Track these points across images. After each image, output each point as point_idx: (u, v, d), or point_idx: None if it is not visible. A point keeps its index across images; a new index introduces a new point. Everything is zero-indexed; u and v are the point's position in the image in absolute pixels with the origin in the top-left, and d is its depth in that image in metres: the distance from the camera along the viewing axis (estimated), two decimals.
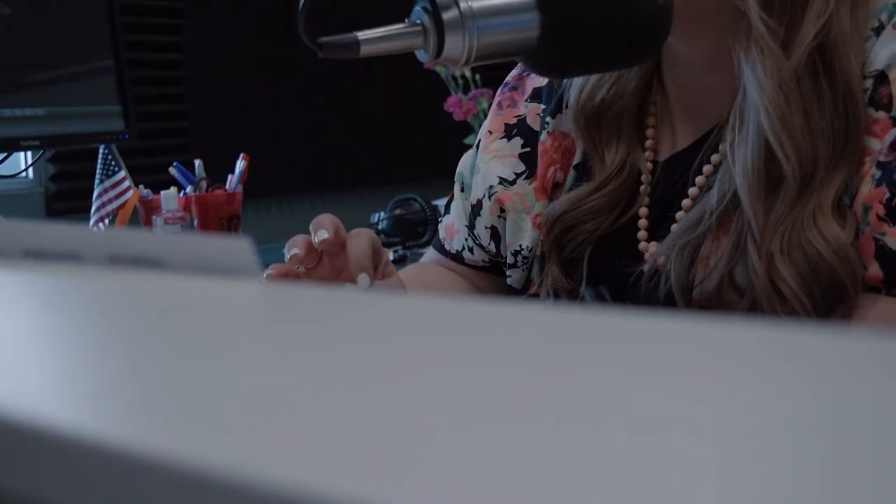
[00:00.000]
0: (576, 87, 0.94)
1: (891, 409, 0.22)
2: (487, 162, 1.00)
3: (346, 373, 0.26)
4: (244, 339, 0.32)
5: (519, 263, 0.97)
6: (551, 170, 0.96)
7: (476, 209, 1.01)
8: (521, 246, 0.97)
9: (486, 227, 1.00)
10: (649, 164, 0.91)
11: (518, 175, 0.98)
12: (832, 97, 0.78)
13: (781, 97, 0.78)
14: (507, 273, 0.99)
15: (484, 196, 1.00)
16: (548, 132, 0.97)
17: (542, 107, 0.99)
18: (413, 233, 2.10)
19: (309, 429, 0.22)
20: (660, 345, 0.28)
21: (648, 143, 0.92)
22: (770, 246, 0.78)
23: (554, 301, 0.91)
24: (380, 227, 2.14)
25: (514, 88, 1.03)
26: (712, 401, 0.23)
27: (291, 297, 0.39)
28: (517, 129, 1.00)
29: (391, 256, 1.87)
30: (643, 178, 0.91)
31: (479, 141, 1.04)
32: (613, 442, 0.20)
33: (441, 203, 2.18)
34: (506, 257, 0.99)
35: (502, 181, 0.98)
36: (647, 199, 0.90)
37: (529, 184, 0.97)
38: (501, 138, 1.00)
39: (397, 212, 2.14)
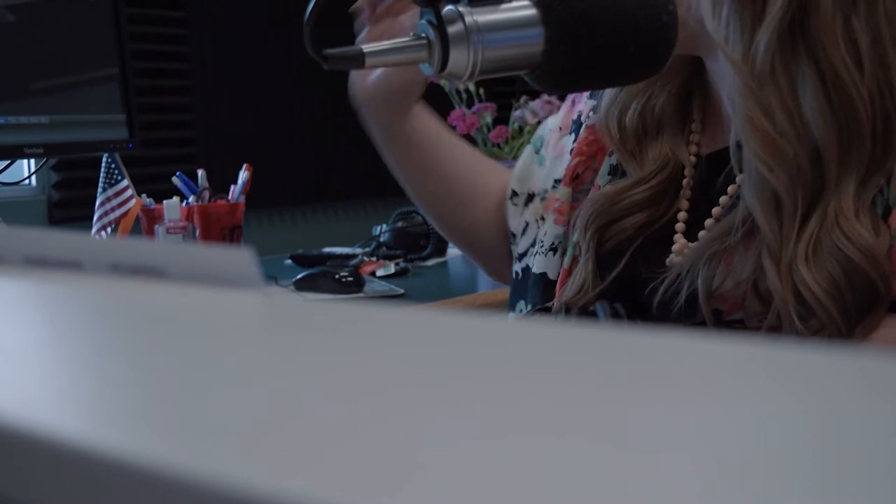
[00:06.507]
0: (607, 96, 0.93)
1: (891, 433, 0.22)
2: (553, 159, 1.00)
3: (348, 385, 0.26)
4: (245, 350, 0.31)
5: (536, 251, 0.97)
6: (576, 160, 0.96)
7: (529, 198, 1.01)
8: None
9: (526, 220, 1.00)
10: (693, 158, 0.90)
11: (558, 180, 0.98)
12: (823, 89, 0.77)
13: (754, 110, 0.77)
14: (522, 263, 0.99)
15: (538, 194, 1.00)
16: (586, 125, 0.97)
17: (594, 103, 0.98)
18: (415, 245, 2.10)
19: (310, 440, 0.21)
20: (666, 364, 0.28)
21: (693, 136, 0.91)
22: (793, 253, 0.77)
23: (565, 317, 0.90)
24: (382, 239, 2.14)
25: None
26: (713, 422, 0.23)
27: (293, 309, 0.39)
28: (573, 126, 1.00)
29: (392, 269, 1.87)
30: (686, 171, 0.89)
31: (542, 137, 1.04)
32: (608, 463, 0.20)
33: None
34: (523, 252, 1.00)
35: (555, 183, 0.99)
36: (688, 193, 0.89)
37: (565, 185, 0.97)
38: (567, 134, 1.00)
39: (399, 224, 2.14)
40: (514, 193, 1.03)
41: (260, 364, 0.30)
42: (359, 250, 2.09)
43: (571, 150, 0.98)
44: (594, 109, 0.98)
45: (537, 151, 1.04)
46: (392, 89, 0.95)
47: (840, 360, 0.27)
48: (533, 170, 1.02)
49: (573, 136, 0.99)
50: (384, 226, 2.16)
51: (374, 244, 2.13)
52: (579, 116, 1.00)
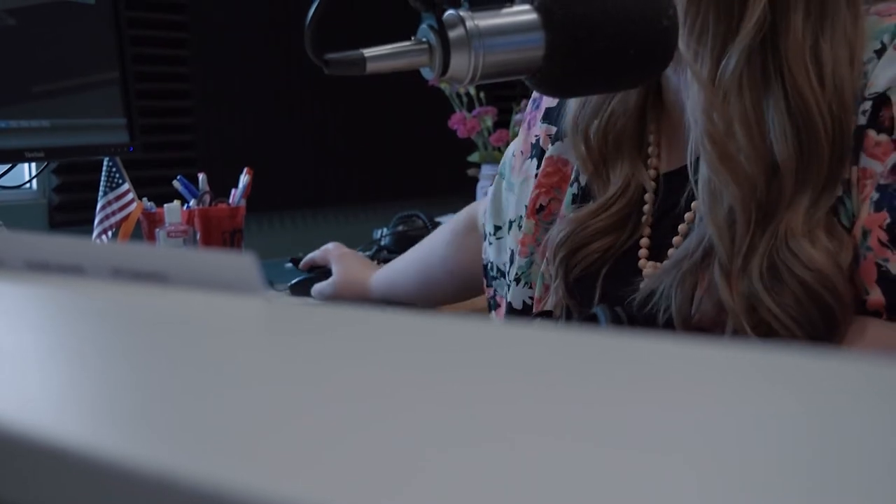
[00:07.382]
0: (570, 113, 0.94)
1: (887, 434, 0.22)
2: (521, 184, 1.00)
3: (348, 388, 0.26)
4: (245, 354, 0.31)
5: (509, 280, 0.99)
6: (536, 192, 0.97)
7: (510, 225, 1.02)
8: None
9: (510, 248, 1.01)
10: (653, 183, 0.90)
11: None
12: (787, 107, 0.77)
13: (716, 125, 0.78)
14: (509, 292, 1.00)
15: (515, 220, 1.00)
16: (546, 156, 0.97)
17: (554, 129, 0.98)
18: None
19: (309, 443, 0.21)
20: (664, 367, 0.28)
21: (651, 160, 0.91)
22: (742, 266, 0.77)
23: (566, 322, 0.90)
24: (382, 243, 2.14)
25: (537, 106, 1.02)
26: (712, 425, 0.23)
27: (294, 314, 0.39)
28: (533, 151, 1.00)
29: None
30: (647, 196, 0.90)
31: (506, 163, 1.05)
32: (607, 466, 0.20)
33: (444, 219, 2.18)
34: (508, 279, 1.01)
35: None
36: (650, 219, 0.90)
37: (528, 217, 0.99)
38: (528, 158, 1.01)
39: (400, 228, 2.14)
40: (497, 228, 1.04)
41: (260, 368, 0.30)
42: (359, 254, 2.09)
43: (536, 175, 0.98)
44: (554, 136, 0.98)
45: (504, 177, 1.05)
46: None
47: (837, 363, 0.27)
48: (505, 198, 1.04)
49: (534, 160, 0.99)
50: (385, 229, 2.15)
51: (374, 248, 2.13)
52: (537, 140, 1.00)
